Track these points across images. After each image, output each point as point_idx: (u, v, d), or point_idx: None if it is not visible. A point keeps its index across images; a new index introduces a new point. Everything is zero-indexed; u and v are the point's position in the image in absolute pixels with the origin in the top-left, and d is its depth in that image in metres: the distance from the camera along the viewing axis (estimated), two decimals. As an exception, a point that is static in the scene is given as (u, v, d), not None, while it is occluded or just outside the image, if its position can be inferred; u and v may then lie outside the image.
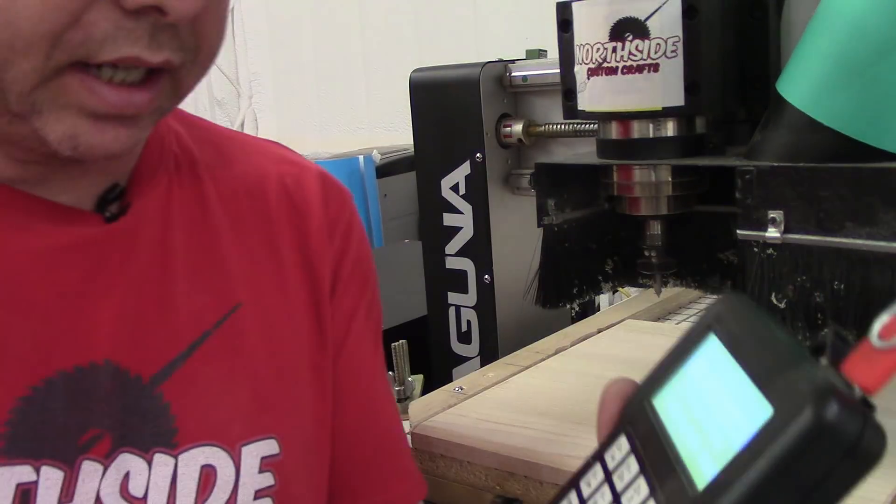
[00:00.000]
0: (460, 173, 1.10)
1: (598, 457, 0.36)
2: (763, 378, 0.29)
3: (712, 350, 0.34)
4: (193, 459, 0.52)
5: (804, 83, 0.63)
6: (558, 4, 0.75)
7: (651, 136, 0.73)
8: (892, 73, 0.58)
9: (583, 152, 0.91)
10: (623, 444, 0.35)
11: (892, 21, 0.58)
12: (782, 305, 0.64)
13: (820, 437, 0.26)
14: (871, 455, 0.28)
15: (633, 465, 0.33)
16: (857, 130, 0.60)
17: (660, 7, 0.68)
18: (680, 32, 0.68)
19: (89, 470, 0.48)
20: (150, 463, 0.50)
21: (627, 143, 0.74)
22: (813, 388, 0.27)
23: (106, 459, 0.49)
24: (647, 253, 0.80)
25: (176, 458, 0.51)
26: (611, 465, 0.35)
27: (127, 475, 0.49)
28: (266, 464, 0.55)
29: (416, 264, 1.20)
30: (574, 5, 0.73)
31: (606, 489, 0.34)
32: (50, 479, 0.46)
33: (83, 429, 0.48)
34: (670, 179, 0.75)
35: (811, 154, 0.62)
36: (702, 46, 0.69)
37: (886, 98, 0.59)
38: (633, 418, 0.36)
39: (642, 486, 0.32)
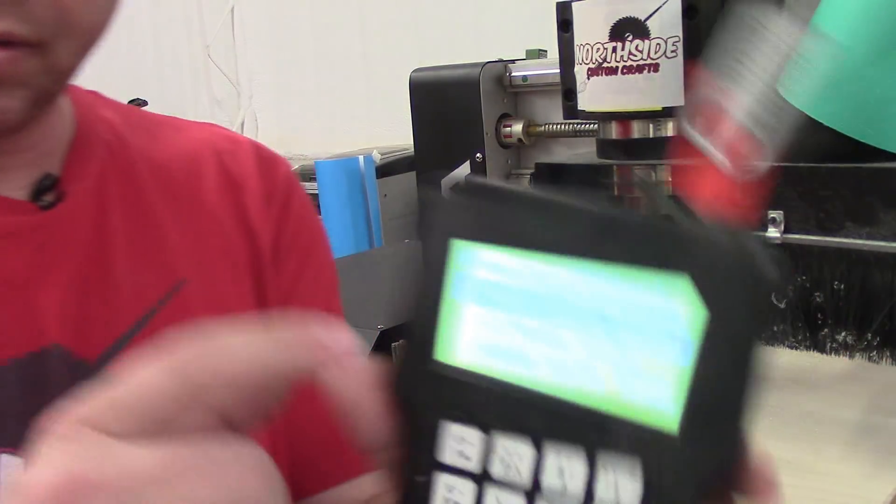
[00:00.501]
0: (460, 173, 1.10)
1: (428, 469, 0.25)
2: (619, 257, 0.23)
3: (477, 264, 0.25)
4: None
5: (804, 83, 0.63)
6: (558, 4, 0.75)
7: (651, 136, 0.73)
8: (891, 73, 0.58)
9: (583, 152, 0.91)
10: (469, 435, 0.24)
11: (891, 21, 0.58)
12: (783, 305, 0.64)
13: (766, 282, 0.22)
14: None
15: (525, 452, 0.24)
16: (857, 130, 0.60)
17: (660, 7, 0.68)
18: (680, 32, 0.68)
19: None
20: None
21: (627, 143, 0.74)
22: (716, 231, 0.23)
23: None
24: (647, 253, 0.80)
25: None
26: (475, 467, 0.24)
27: None
28: None
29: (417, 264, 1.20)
30: (574, 5, 0.73)
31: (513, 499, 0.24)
32: (11, 467, 0.46)
33: (40, 415, 0.48)
34: (670, 179, 0.75)
35: (811, 154, 0.62)
36: (702, 46, 0.69)
37: (886, 98, 0.59)
38: (442, 399, 0.25)
39: (576, 471, 0.23)
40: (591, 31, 0.71)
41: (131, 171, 0.57)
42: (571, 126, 1.04)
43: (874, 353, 0.61)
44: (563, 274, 0.24)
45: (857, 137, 0.60)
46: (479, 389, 0.25)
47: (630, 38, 0.69)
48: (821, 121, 0.61)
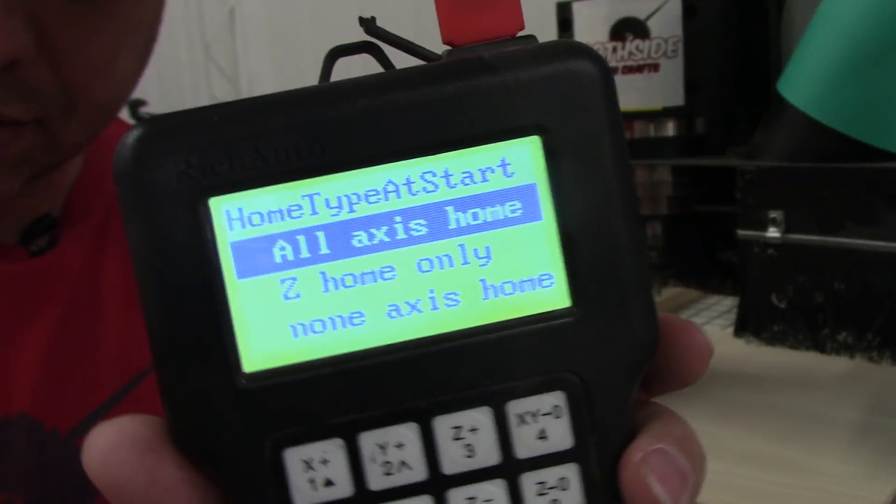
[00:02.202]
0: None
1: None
2: (413, 147, 0.17)
3: (244, 222, 0.18)
4: None
5: (804, 83, 0.63)
6: (558, 4, 0.75)
7: (651, 136, 0.73)
8: (892, 73, 0.58)
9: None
10: (328, 451, 0.18)
11: (892, 21, 0.58)
12: (782, 305, 0.64)
13: (606, 77, 0.18)
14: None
15: (409, 439, 0.18)
16: (857, 130, 0.60)
17: (660, 7, 0.68)
18: (680, 32, 0.68)
19: None
20: None
21: (627, 143, 0.74)
22: (533, 60, 0.18)
23: None
24: (647, 253, 0.80)
25: None
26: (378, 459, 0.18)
27: None
28: None
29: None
30: (574, 5, 0.73)
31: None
32: None
33: None
34: (670, 179, 0.75)
35: (811, 154, 0.62)
36: (702, 46, 0.69)
37: (887, 98, 0.59)
38: (273, 420, 0.18)
39: (483, 432, 0.18)
40: (591, 31, 0.71)
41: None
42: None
43: (874, 353, 0.61)
44: (366, 188, 0.17)
45: (857, 137, 0.60)
46: (319, 385, 0.17)
47: (630, 38, 0.69)
48: (821, 121, 0.61)
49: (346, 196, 0.17)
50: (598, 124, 0.18)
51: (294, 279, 0.17)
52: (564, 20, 0.75)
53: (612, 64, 0.70)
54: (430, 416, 0.17)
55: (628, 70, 0.70)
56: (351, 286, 0.17)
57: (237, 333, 0.17)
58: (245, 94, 3.21)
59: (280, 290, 0.17)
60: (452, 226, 0.17)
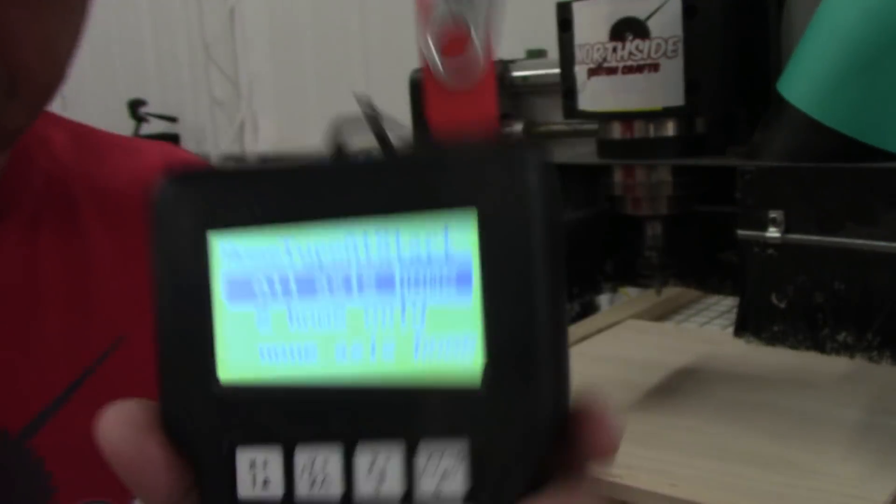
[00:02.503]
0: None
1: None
2: (382, 205, 0.21)
3: (238, 256, 0.22)
4: None
5: (804, 83, 0.63)
6: (558, 4, 0.75)
7: (651, 136, 0.73)
8: (892, 73, 0.58)
9: (583, 152, 0.91)
10: (270, 458, 0.21)
11: (892, 21, 0.58)
12: (782, 305, 0.64)
13: (545, 172, 0.21)
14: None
15: (333, 460, 0.21)
16: (858, 130, 0.60)
17: (660, 7, 0.68)
18: (680, 32, 0.68)
19: None
20: None
21: (627, 143, 0.74)
22: (483, 152, 0.21)
23: None
24: (647, 253, 0.80)
25: None
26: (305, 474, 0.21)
27: None
28: None
29: (416, 264, 1.20)
30: (574, 5, 0.73)
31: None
32: None
33: None
34: (670, 179, 0.75)
35: (811, 154, 0.62)
36: (702, 46, 0.69)
37: (887, 98, 0.59)
38: (233, 423, 0.22)
39: (393, 466, 0.21)
40: (591, 31, 0.71)
41: (71, 208, 0.50)
42: (571, 126, 1.04)
43: (874, 353, 0.61)
44: (333, 242, 0.21)
45: (857, 137, 0.60)
46: (273, 402, 0.22)
47: (630, 37, 0.69)
48: (821, 121, 0.61)
49: (315, 245, 0.21)
50: (529, 210, 0.20)
51: (267, 312, 0.22)
52: (564, 20, 0.75)
53: (612, 64, 0.70)
54: (355, 442, 0.21)
55: (628, 70, 0.70)
56: (310, 326, 0.21)
57: (217, 348, 0.22)
58: (245, 94, 3.19)
59: (255, 319, 0.22)
60: (397, 286, 0.21)
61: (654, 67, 0.69)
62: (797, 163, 0.62)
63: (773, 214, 0.63)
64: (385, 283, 0.21)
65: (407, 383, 0.21)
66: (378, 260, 0.21)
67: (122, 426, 0.22)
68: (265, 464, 0.21)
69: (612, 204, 0.80)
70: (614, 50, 0.70)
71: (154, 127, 3.33)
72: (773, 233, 0.63)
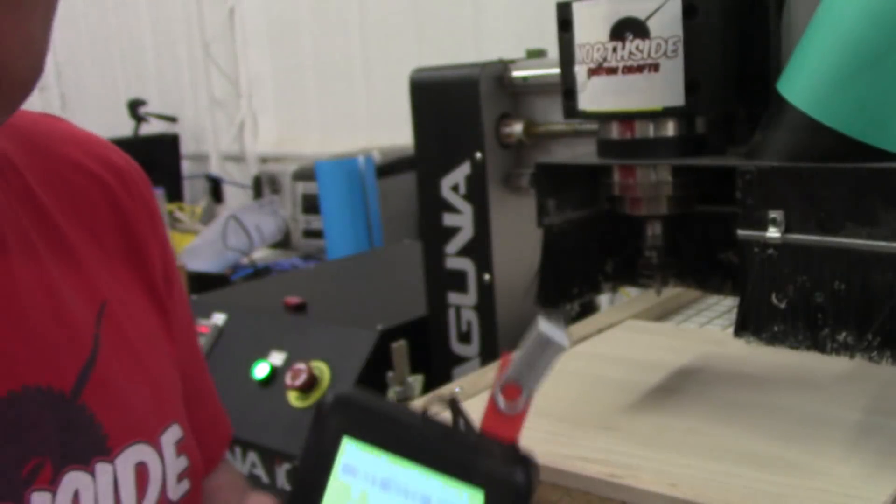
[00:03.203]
0: (460, 173, 1.10)
1: None
2: (439, 463, 0.37)
3: (356, 455, 0.38)
4: (127, 461, 0.53)
5: (805, 83, 0.63)
6: (558, 4, 0.75)
7: (651, 136, 0.73)
8: (892, 73, 0.58)
9: (583, 152, 0.91)
10: None
11: (892, 21, 0.58)
12: (782, 305, 0.64)
13: (524, 496, 0.37)
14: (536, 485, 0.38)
15: None
16: (858, 130, 0.60)
17: (660, 7, 0.68)
18: (680, 32, 0.68)
19: (39, 501, 0.47)
20: (93, 475, 0.50)
21: (627, 143, 0.74)
22: (502, 461, 0.37)
23: (52, 486, 0.48)
24: (647, 253, 0.80)
25: (113, 463, 0.52)
26: None
27: (76, 494, 0.49)
28: (179, 448, 0.57)
29: (416, 264, 1.20)
30: (574, 5, 0.73)
31: None
32: None
33: (23, 460, 0.47)
34: (670, 179, 0.75)
35: (811, 154, 0.62)
36: (702, 46, 0.69)
37: (887, 98, 0.59)
38: None
39: None
40: (591, 31, 0.71)
41: (33, 199, 0.54)
42: (571, 126, 1.04)
43: (874, 353, 0.61)
44: (405, 469, 0.37)
45: (857, 137, 0.60)
46: None
47: (630, 37, 0.69)
48: (821, 121, 0.61)
49: (395, 468, 0.37)
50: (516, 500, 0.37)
51: (360, 492, 0.37)
52: (564, 20, 0.75)
53: (612, 64, 0.70)
54: None
55: (628, 70, 0.70)
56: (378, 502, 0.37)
57: (324, 499, 0.37)
58: (244, 94, 3.18)
59: (352, 493, 0.37)
60: None
61: (654, 67, 0.69)
62: (797, 163, 0.62)
63: (773, 214, 0.63)
64: (425, 499, 0.37)
65: None
66: (423, 489, 0.37)
67: None
68: None
69: (612, 204, 0.80)
70: (614, 50, 0.70)
71: (154, 127, 3.34)
72: (773, 233, 0.63)
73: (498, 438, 0.37)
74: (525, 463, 0.37)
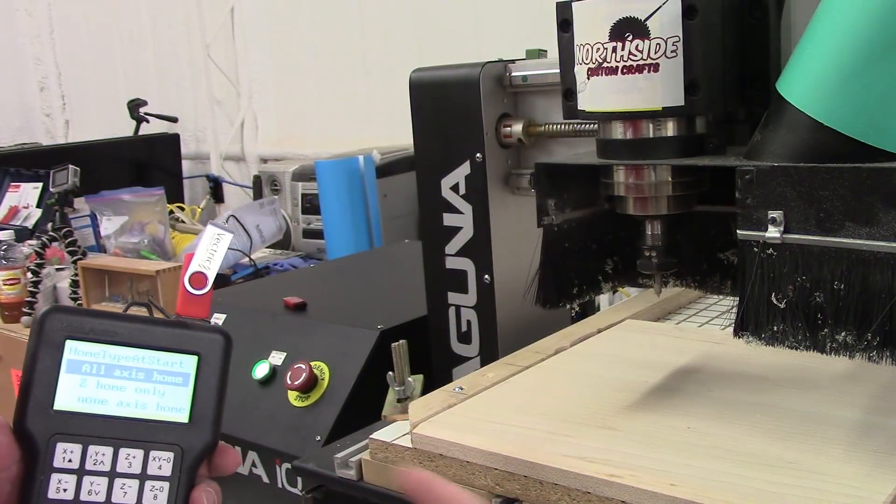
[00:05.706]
0: (460, 173, 1.10)
1: (46, 471, 0.44)
2: (154, 343, 0.47)
3: (79, 351, 0.46)
4: None
5: (805, 83, 0.63)
6: (558, 4, 0.75)
7: (651, 136, 0.73)
8: (892, 73, 0.58)
9: (583, 152, 0.91)
10: (73, 447, 0.45)
11: (892, 21, 0.58)
12: (782, 305, 0.64)
13: (228, 350, 0.49)
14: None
15: (107, 452, 0.45)
16: (858, 130, 0.60)
17: (660, 7, 0.68)
18: (680, 32, 0.68)
19: None
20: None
21: (627, 143, 0.74)
22: (203, 330, 0.49)
23: None
24: (647, 253, 0.80)
25: None
26: (76, 464, 0.45)
27: None
28: None
29: (416, 264, 1.20)
30: (574, 5, 0.73)
31: (98, 480, 0.45)
32: None
33: None
34: (670, 179, 0.75)
35: (811, 154, 0.62)
36: (702, 46, 0.69)
37: (886, 98, 0.59)
38: (56, 428, 0.45)
39: (137, 457, 0.46)
40: (591, 31, 0.71)
41: None
42: (571, 126, 1.04)
43: (874, 353, 0.61)
44: (125, 355, 0.47)
45: (857, 137, 0.60)
46: (79, 421, 0.45)
47: (630, 38, 0.69)
48: (821, 121, 0.61)
49: (117, 352, 0.47)
50: (220, 360, 0.50)
51: (88, 381, 0.46)
52: (564, 20, 0.75)
53: (612, 64, 0.70)
54: (118, 447, 0.46)
55: (628, 70, 0.70)
56: (109, 390, 0.47)
57: (57, 391, 0.45)
58: (245, 94, 3.18)
59: (80, 382, 0.46)
60: (154, 376, 0.48)
61: (654, 67, 0.69)
62: (797, 163, 0.62)
63: (773, 214, 0.63)
64: (148, 372, 0.47)
65: (149, 418, 0.47)
66: (148, 365, 0.47)
67: None
68: (71, 451, 0.45)
69: (612, 204, 0.80)
70: (614, 50, 0.70)
71: (154, 127, 3.33)
72: (773, 233, 0.63)
73: (193, 317, 0.49)
74: (220, 329, 0.49)
